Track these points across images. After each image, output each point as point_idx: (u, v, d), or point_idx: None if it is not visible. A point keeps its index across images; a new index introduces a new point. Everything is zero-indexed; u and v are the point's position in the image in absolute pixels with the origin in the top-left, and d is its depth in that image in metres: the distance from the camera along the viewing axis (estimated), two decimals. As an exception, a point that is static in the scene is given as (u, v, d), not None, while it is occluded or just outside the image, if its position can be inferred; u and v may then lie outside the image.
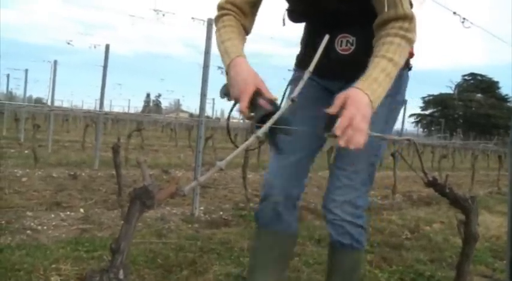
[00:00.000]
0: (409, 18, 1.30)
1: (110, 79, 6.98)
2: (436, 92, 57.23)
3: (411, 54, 1.59)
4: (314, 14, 1.52)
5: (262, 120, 1.16)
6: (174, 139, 14.18)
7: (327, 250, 1.77)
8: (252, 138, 0.95)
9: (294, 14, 1.57)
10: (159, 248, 2.87)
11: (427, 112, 58.23)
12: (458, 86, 57.48)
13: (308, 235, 3.48)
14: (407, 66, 1.60)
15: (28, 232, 3.10)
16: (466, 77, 58.14)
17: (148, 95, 80.00)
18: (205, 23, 4.27)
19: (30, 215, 3.56)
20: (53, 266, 2.42)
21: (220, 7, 1.50)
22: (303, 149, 1.63)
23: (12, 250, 2.62)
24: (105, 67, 6.83)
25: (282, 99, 1.68)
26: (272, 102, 1.25)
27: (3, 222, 3.23)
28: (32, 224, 3.30)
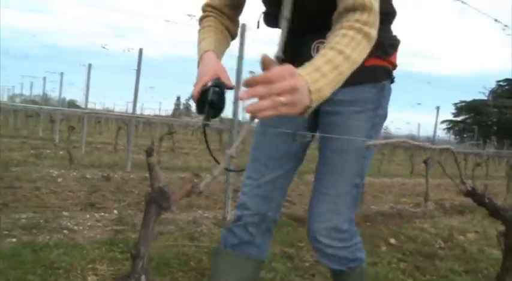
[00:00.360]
0: (368, 9, 1.14)
1: (141, 82, 7.11)
2: (468, 98, 56.10)
3: (394, 65, 1.51)
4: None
5: (203, 96, 1.18)
6: (205, 143, 14.24)
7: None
8: (252, 122, 0.94)
9: (270, 17, 1.49)
10: (192, 251, 2.90)
11: (459, 119, 57.11)
12: (492, 92, 56.20)
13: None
14: (389, 78, 1.50)
15: (65, 231, 3.18)
16: (501, 83, 56.75)
17: (178, 98, 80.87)
18: (239, 29, 4.31)
19: (66, 215, 3.65)
20: (90, 266, 2.48)
21: (202, 9, 1.48)
22: (279, 168, 1.52)
23: (50, 249, 2.69)
24: (138, 71, 6.95)
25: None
26: (218, 82, 1.21)
27: (41, 221, 3.32)
28: (68, 224, 3.38)
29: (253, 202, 1.51)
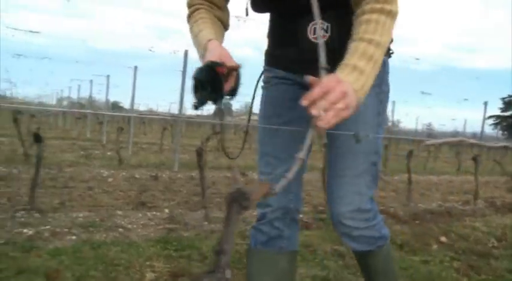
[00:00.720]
0: None
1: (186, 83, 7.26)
2: (517, 93, 54.02)
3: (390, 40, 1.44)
4: (280, 0, 1.35)
5: (197, 77, 1.08)
6: (248, 142, 14.37)
7: (355, 257, 1.66)
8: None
9: (257, 2, 1.42)
10: (244, 249, 2.94)
11: (507, 114, 55.17)
12: (542, 85, 53.97)
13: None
14: (388, 52, 1.46)
15: (120, 229, 3.29)
16: (551, 76, 54.41)
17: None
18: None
19: (120, 214, 3.77)
20: (147, 263, 2.57)
21: (189, 5, 1.39)
22: (290, 157, 1.46)
23: (108, 246, 2.80)
24: (184, 72, 7.09)
25: (252, 101, 1.55)
26: (210, 62, 1.12)
27: (97, 219, 3.45)
28: (123, 222, 3.49)
29: (272, 197, 1.50)
